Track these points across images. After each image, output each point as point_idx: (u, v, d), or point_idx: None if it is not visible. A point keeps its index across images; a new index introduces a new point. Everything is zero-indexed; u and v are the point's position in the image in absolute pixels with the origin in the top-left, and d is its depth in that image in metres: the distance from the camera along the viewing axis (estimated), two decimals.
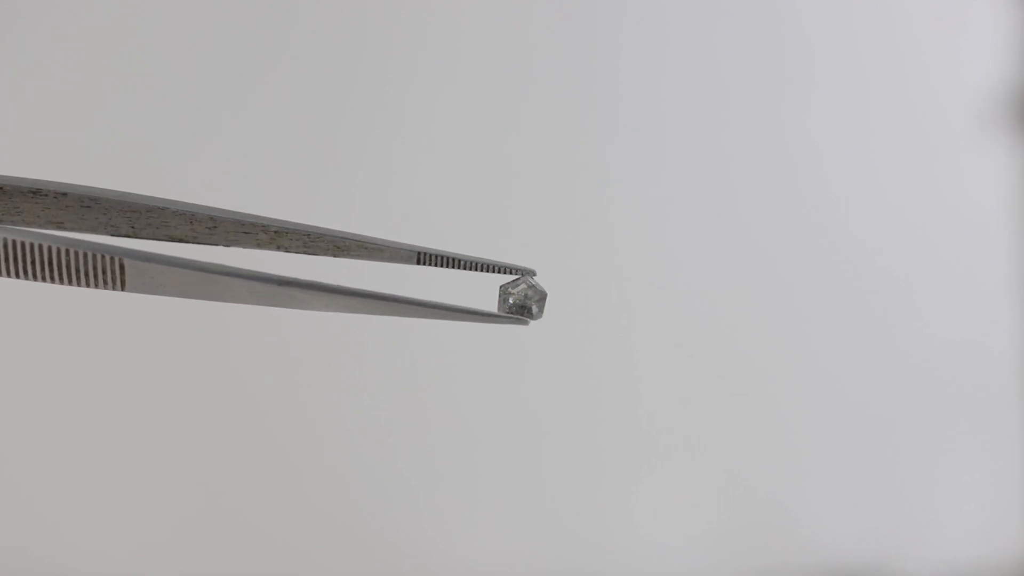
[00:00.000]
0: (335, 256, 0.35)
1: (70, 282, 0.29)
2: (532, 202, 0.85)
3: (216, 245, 0.38)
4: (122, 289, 0.30)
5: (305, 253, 0.36)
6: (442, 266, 0.33)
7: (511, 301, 0.32)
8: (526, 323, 0.32)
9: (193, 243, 0.38)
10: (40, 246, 0.28)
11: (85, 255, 0.28)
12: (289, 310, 0.79)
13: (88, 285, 0.30)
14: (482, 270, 0.33)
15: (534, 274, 0.33)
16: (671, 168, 0.87)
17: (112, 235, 0.36)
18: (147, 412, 0.81)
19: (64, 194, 0.35)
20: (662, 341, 0.88)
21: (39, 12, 0.80)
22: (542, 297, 0.32)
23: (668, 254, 0.88)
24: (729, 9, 0.88)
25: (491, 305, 0.33)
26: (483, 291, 0.34)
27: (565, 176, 0.86)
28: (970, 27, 0.92)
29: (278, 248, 0.37)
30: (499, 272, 0.33)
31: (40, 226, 0.35)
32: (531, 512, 0.86)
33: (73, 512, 0.81)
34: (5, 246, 0.28)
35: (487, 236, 0.83)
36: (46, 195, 0.35)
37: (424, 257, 0.33)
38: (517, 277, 0.33)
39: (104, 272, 0.29)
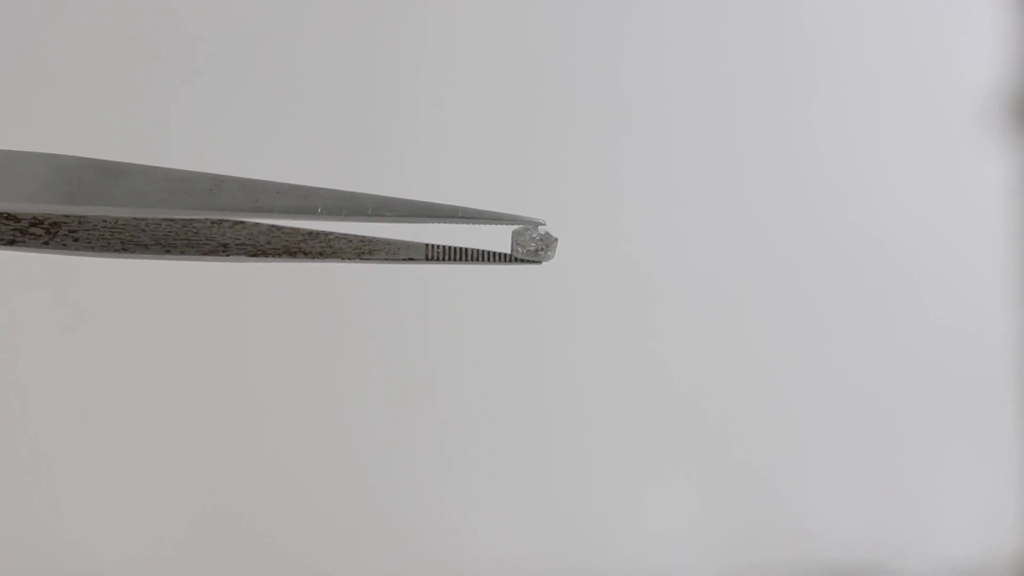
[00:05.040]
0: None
1: None
2: (545, 193, 0.85)
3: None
4: None
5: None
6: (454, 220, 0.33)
7: (521, 249, 0.32)
8: (539, 263, 0.32)
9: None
10: None
11: None
12: (293, 290, 0.79)
13: None
14: (491, 222, 0.33)
15: (544, 223, 0.33)
16: (679, 163, 0.88)
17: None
18: (152, 411, 0.81)
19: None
20: (663, 337, 0.87)
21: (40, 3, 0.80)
22: (553, 241, 0.32)
23: (671, 252, 0.87)
24: (736, 8, 0.89)
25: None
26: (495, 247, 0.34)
27: (576, 164, 0.86)
28: (970, 27, 0.93)
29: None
30: (508, 223, 0.33)
31: None
32: (532, 503, 0.85)
33: (77, 512, 0.80)
34: None
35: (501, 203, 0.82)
36: None
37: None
38: (528, 227, 0.33)
39: None
